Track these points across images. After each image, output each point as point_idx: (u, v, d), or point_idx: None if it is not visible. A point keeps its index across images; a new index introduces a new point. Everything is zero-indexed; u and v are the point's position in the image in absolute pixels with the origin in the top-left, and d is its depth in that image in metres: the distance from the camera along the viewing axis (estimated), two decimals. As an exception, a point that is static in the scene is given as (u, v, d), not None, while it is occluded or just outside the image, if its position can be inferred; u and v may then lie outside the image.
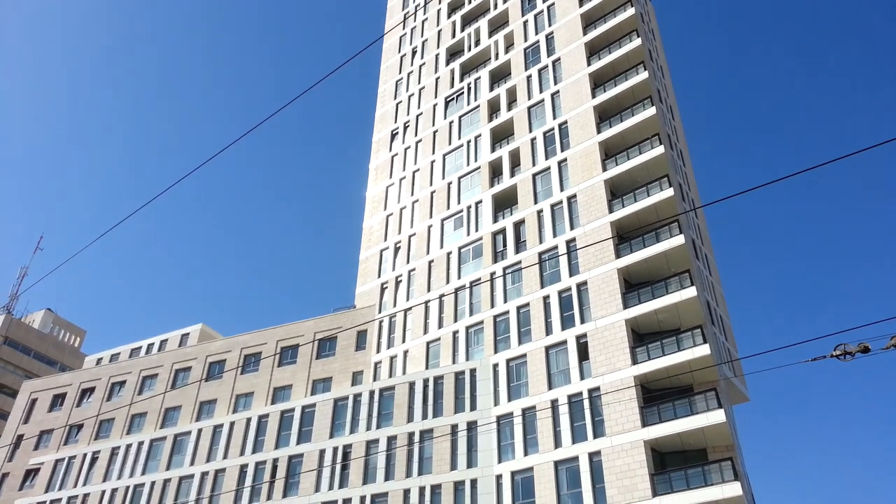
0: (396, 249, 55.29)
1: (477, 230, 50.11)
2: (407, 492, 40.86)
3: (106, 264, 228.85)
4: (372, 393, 46.30)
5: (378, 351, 50.26)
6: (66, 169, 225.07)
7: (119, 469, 52.32)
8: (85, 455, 54.54)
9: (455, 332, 46.63)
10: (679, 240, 38.21)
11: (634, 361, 36.71)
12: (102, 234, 15.34)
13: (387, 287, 53.87)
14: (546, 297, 42.93)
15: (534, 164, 49.49)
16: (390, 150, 62.53)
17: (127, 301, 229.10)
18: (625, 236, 41.98)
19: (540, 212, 46.85)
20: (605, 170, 44.62)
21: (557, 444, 37.39)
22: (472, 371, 43.33)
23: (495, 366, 42.72)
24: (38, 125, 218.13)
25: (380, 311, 52.24)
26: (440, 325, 47.79)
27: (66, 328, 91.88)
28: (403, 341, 49.35)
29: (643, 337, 38.81)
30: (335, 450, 45.05)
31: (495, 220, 49.64)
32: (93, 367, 63.99)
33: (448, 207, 53.43)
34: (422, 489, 40.46)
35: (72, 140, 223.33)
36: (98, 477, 52.73)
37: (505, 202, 50.38)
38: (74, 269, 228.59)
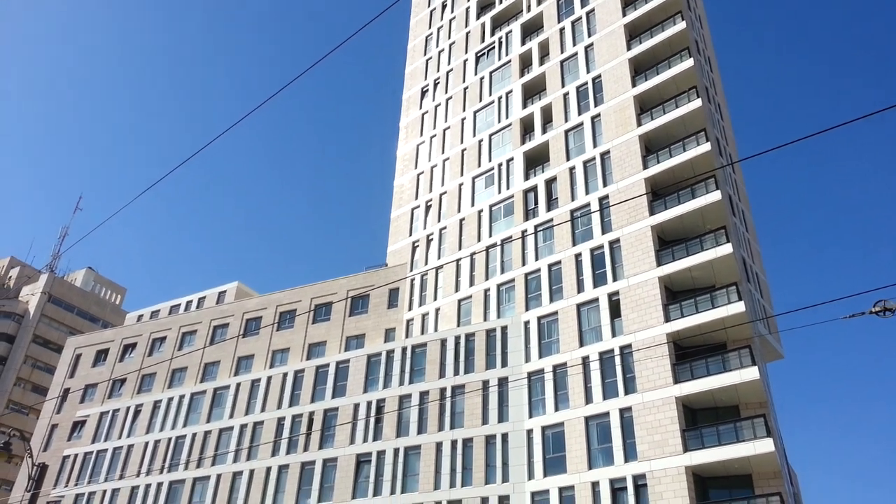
0: (427, 208, 55.30)
1: (508, 188, 49.77)
2: (439, 445, 41.67)
3: (144, 224, 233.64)
4: (404, 349, 46.93)
5: (410, 309, 50.75)
6: (103, 129, 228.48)
7: (161, 421, 54.22)
8: (128, 408, 56.59)
9: (486, 290, 46.77)
10: (715, 196, 37.47)
11: (667, 319, 36.48)
12: (140, 194, 15.60)
13: (418, 245, 54.10)
14: (578, 255, 42.68)
15: (566, 120, 48.69)
16: (420, 107, 62.03)
17: (165, 260, 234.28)
18: (659, 193, 41.29)
19: (572, 169, 46.27)
20: (639, 125, 43.70)
21: (588, 399, 37.60)
22: (504, 328, 43.56)
23: (526, 323, 42.86)
24: (75, 86, 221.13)
25: (411, 270, 52.58)
26: (471, 283, 47.96)
27: (106, 286, 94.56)
28: (435, 299, 49.72)
29: (676, 294, 38.47)
30: (369, 404, 46.00)
31: (527, 177, 49.19)
32: (134, 324, 65.92)
33: (479, 165, 53.06)
34: (454, 442, 41.21)
35: (109, 99, 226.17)
36: (141, 429, 54.75)
37: (536, 159, 49.83)
38: (114, 228, 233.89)
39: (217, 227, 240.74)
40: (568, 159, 46.94)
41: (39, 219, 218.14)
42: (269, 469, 47.04)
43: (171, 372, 57.34)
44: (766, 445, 30.78)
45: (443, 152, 56.97)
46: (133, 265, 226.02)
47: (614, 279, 40.02)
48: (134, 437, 54.65)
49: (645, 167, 41.76)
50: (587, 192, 44.49)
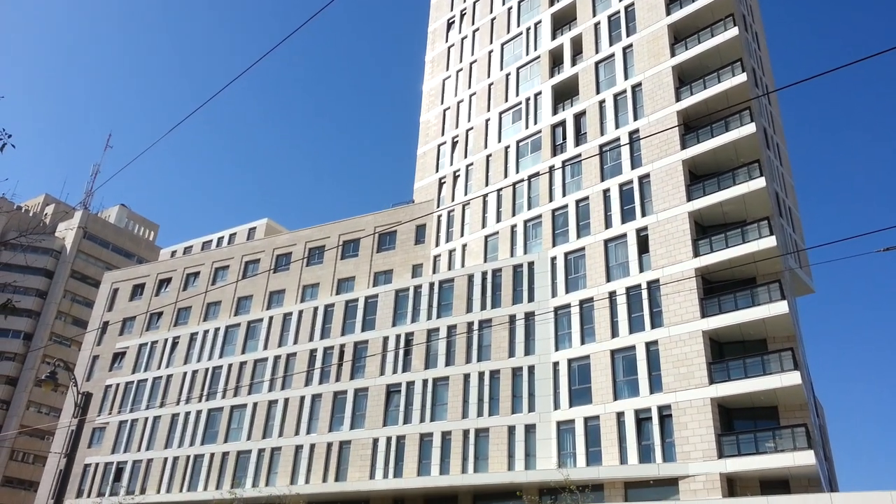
0: (454, 144, 54.92)
1: (536, 123, 49.08)
2: (467, 376, 42.67)
3: (174, 162, 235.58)
4: (432, 285, 47.54)
5: (437, 245, 51.13)
6: (132, 66, 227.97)
7: (198, 353, 56.12)
8: (166, 340, 58.56)
9: (513, 226, 46.82)
10: (750, 128, 36.62)
11: (696, 254, 36.34)
12: (169, 131, 15.74)
13: (444, 182, 54.02)
14: (606, 191, 42.33)
15: (597, 52, 47.44)
16: (446, 40, 60.79)
17: (195, 197, 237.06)
18: (692, 126, 40.45)
19: (602, 102, 45.37)
20: (673, 55, 42.44)
21: (614, 333, 38.01)
22: (530, 264, 43.79)
23: (553, 259, 43.00)
24: (102, 21, 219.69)
25: (438, 206, 52.67)
26: (498, 220, 48.00)
27: (139, 223, 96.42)
28: (462, 235, 49.96)
29: (706, 229, 38.16)
30: (398, 337, 47.02)
31: (555, 111, 48.41)
32: (168, 260, 67.48)
33: (506, 100, 52.25)
34: (481, 374, 42.17)
35: (137, 35, 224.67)
36: (179, 360, 56.78)
37: (565, 93, 48.87)
38: (144, 166, 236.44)
39: (245, 165, 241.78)
40: (598, 92, 45.98)
41: (71, 157, 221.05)
42: (302, 398, 48.75)
43: (206, 306, 58.93)
44: (792, 378, 31.03)
45: (469, 87, 56.12)
46: (165, 202, 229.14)
47: (643, 214, 39.75)
48: (172, 368, 56.75)
49: (678, 100, 40.79)
50: (617, 127, 43.75)
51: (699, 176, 39.40)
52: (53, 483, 57.19)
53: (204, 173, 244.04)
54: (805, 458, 29.58)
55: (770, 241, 33.84)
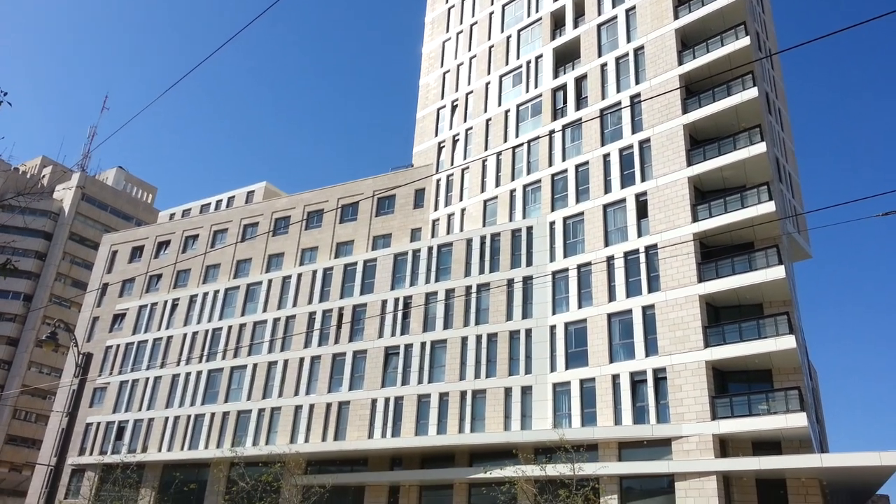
0: (453, 108, 54.49)
1: (536, 86, 48.63)
2: (465, 339, 43.05)
3: (171, 125, 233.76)
4: (430, 249, 47.65)
5: (436, 209, 51.09)
6: (128, 27, 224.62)
7: (198, 314, 56.46)
8: (165, 302, 58.85)
9: (512, 191, 46.73)
10: (752, 93, 36.31)
11: (695, 219, 36.38)
12: (166, 91, 15.65)
13: (444, 146, 53.75)
14: (606, 155, 42.17)
15: (599, 14, 46.79)
16: (447, 1, 59.86)
17: (193, 160, 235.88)
18: (693, 90, 40.13)
19: (604, 65, 44.91)
20: (676, 17, 41.86)
21: (611, 297, 38.25)
22: (529, 229, 43.84)
23: (552, 223, 43.04)
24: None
25: (437, 170, 52.50)
26: (497, 184, 47.89)
27: (137, 185, 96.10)
28: (461, 199, 49.90)
29: (706, 195, 38.13)
30: (396, 301, 47.30)
31: (556, 75, 47.94)
32: (167, 222, 67.45)
33: (507, 63, 51.70)
34: (478, 337, 42.54)
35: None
36: (179, 322, 57.14)
37: (566, 56, 48.33)
38: (142, 129, 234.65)
39: (243, 128, 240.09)
40: (599, 55, 45.49)
41: (68, 119, 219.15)
42: (302, 359, 49.23)
43: (205, 268, 59.09)
44: (787, 342, 31.35)
45: (469, 49, 55.46)
46: (162, 165, 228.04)
47: (643, 179, 39.67)
48: (172, 329, 57.14)
49: (680, 63, 40.37)
50: (618, 91, 43.38)
51: (700, 141, 39.25)
52: (56, 441, 58.04)
53: (201, 136, 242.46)
54: (797, 421, 30.05)
55: (769, 207, 33.86)
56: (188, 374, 54.06)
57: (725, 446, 32.74)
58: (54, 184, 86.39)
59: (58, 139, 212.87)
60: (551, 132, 45.79)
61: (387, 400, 44.29)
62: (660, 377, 34.68)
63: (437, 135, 54.64)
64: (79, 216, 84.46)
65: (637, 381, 35.53)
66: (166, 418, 53.22)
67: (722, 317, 35.34)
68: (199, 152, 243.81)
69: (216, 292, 56.46)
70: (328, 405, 46.54)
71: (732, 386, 34.14)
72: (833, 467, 29.82)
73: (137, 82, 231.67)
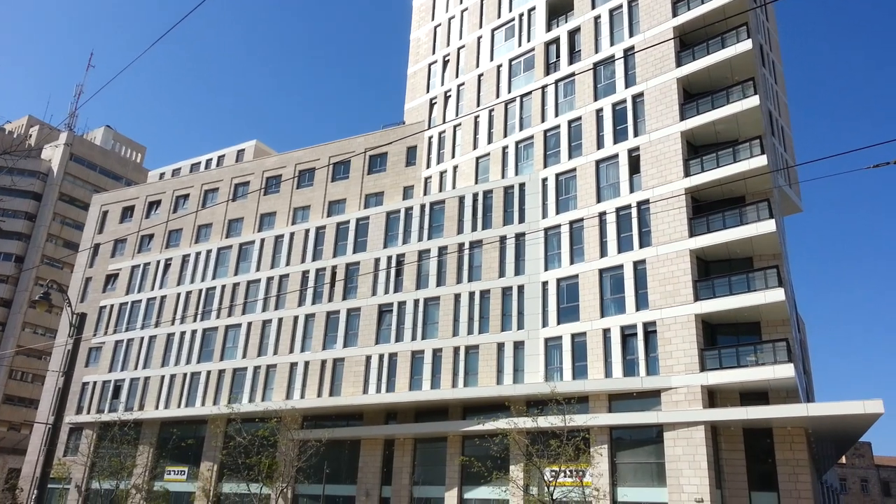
0: (445, 63, 53.75)
1: (529, 40, 47.93)
2: (457, 296, 43.32)
3: (158, 84, 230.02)
4: (423, 206, 47.56)
5: (428, 166, 50.83)
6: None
7: (191, 274, 56.49)
8: (158, 262, 58.79)
9: (504, 148, 46.47)
10: (746, 45, 35.91)
11: (687, 174, 36.35)
12: (151, 45, 15.37)
13: (436, 102, 53.19)
14: (599, 111, 41.86)
15: (593, -35, 45.79)
16: (438, -47, 58.43)
17: (181, 119, 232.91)
18: (688, 43, 39.66)
19: (597, 18, 44.21)
20: (670, -32, 41.04)
21: (603, 253, 38.44)
22: (521, 185, 43.74)
23: (544, 180, 42.93)
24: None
25: (429, 127, 52.07)
26: (489, 141, 47.58)
27: (126, 144, 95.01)
28: (453, 157, 49.62)
29: (698, 149, 38.04)
30: (389, 258, 47.40)
31: (549, 28, 47.18)
32: (157, 182, 66.95)
33: (499, 16, 50.81)
34: (471, 294, 42.81)
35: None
36: (172, 281, 57.19)
37: (559, 8, 47.50)
38: (129, 88, 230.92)
39: (231, 86, 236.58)
40: (593, 7, 44.73)
41: (53, 78, 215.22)
42: (296, 317, 49.51)
43: (197, 228, 58.90)
44: (776, 295, 31.69)
45: (461, 2, 54.41)
46: (150, 125, 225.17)
47: (635, 135, 39.48)
48: (166, 289, 57.23)
49: (674, 14, 39.78)
50: (612, 44, 42.81)
51: (693, 95, 38.96)
52: (52, 400, 58.57)
53: (189, 95, 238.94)
54: (785, 371, 30.58)
55: (761, 161, 33.83)
56: (183, 333, 54.36)
57: (714, 397, 33.37)
58: (42, 144, 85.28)
59: (43, 99, 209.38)
60: (544, 87, 45.33)
61: (381, 356, 44.76)
62: (650, 331, 35.12)
63: (428, 91, 54.02)
64: (68, 176, 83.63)
65: (627, 335, 35.99)
66: (162, 377, 53.69)
67: (712, 271, 35.63)
68: (187, 111, 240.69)
69: (209, 252, 56.40)
70: (323, 362, 47.02)
71: (721, 338, 34.63)
72: (818, 416, 30.49)
73: (122, 40, 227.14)
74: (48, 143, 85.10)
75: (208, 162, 70.39)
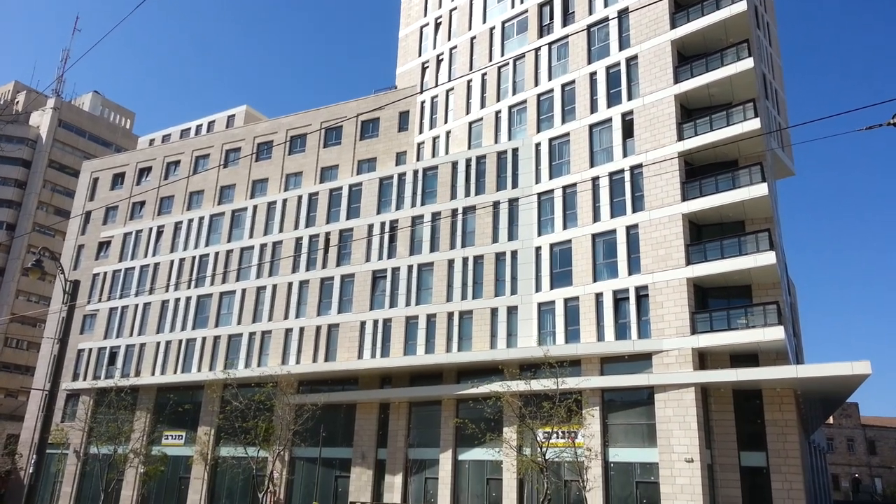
0: (437, 26, 52.98)
1: (522, 2, 47.18)
2: (451, 262, 43.45)
3: (146, 48, 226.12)
4: (416, 172, 47.37)
5: (421, 132, 50.48)
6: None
7: (183, 241, 56.35)
8: (150, 229, 58.58)
9: (497, 112, 46.13)
10: (741, 6, 35.51)
11: (680, 137, 36.24)
12: (138, 6, 15.09)
13: (428, 66, 52.59)
14: (593, 74, 41.49)
15: (587, -76, 44.91)
16: (429, -89, 57.12)
17: (169, 84, 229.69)
18: (682, 4, 39.20)
19: (591, -21, 43.47)
20: (666, -73, 40.32)
21: (596, 218, 38.50)
22: (514, 150, 43.56)
23: (537, 145, 42.74)
24: None
25: (421, 92, 51.55)
26: (482, 105, 47.20)
27: (114, 110, 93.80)
28: (445, 122, 49.27)
29: (692, 113, 37.87)
30: (382, 224, 47.36)
31: (543, -11, 46.40)
32: (147, 148, 66.32)
33: (492, -24, 49.90)
34: (465, 259, 42.93)
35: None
36: (165, 248, 57.07)
37: (554, -31, 46.64)
38: (116, 53, 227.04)
39: (219, 50, 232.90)
40: (587, -31, 43.95)
41: (39, 42, 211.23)
42: (290, 284, 49.62)
43: (189, 195, 58.57)
44: (767, 258, 31.91)
45: (454, -37, 53.38)
46: (139, 90, 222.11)
47: (629, 98, 39.23)
48: (159, 256, 57.14)
49: (669, -25, 39.18)
50: (606, 5, 42.21)
51: (687, 57, 38.62)
52: (48, 367, 58.88)
53: (177, 60, 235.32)
54: (775, 334, 30.95)
55: (754, 124, 33.72)
56: (177, 300, 54.46)
57: (704, 360, 33.82)
58: (29, 110, 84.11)
59: (29, 64, 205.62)
60: (537, 50, 44.83)
61: (375, 322, 45.03)
62: (642, 295, 35.40)
63: (420, 55, 53.35)
64: (56, 143, 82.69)
65: (620, 299, 36.27)
66: (158, 343, 53.94)
67: (704, 235, 35.77)
68: (174, 77, 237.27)
69: (201, 219, 56.19)
70: (318, 328, 47.28)
71: (713, 302, 34.95)
72: (807, 377, 30.98)
73: (108, 3, 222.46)
74: (36, 109, 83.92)
75: (198, 128, 69.68)
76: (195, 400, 50.32)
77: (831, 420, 75.70)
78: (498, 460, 37.14)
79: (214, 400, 47.22)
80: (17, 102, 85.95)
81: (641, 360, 34.39)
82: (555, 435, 32.81)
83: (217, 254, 54.13)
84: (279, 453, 42.40)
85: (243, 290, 51.57)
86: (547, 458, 31.95)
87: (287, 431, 41.65)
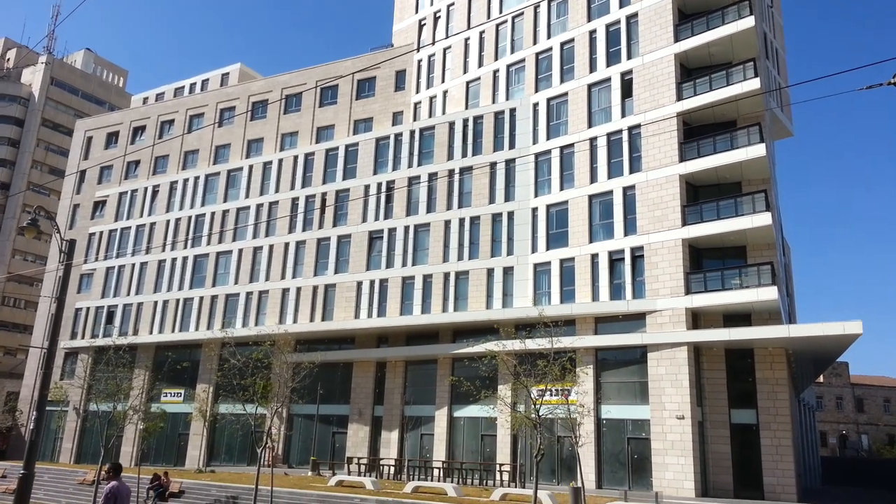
0: (435, -19, 51.98)
1: (522, -43, 46.25)
2: (447, 222, 43.47)
3: (138, 3, 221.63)
4: (412, 132, 47.05)
5: (417, 91, 49.98)
6: None
7: (179, 201, 56.15)
8: (146, 189, 58.30)
9: (495, 71, 45.63)
10: (744, -38, 34.91)
11: (679, 97, 35.96)
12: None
13: (425, 24, 51.81)
14: (592, 32, 40.94)
15: None
16: None
17: (162, 41, 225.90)
18: (684, -40, 38.46)
19: (592, -67, 42.57)
20: None
21: (593, 179, 38.42)
22: (512, 111, 43.22)
23: (535, 105, 42.40)
24: None
25: (418, 50, 50.86)
26: (480, 64, 46.65)
27: (107, 68, 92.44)
28: (443, 81, 48.75)
29: (691, 72, 37.51)
30: (379, 185, 47.23)
31: (542, -56, 45.46)
32: (141, 107, 65.58)
33: (491, -69, 48.79)
34: (461, 220, 42.96)
35: None
36: (161, 208, 56.90)
37: (554, -77, 45.62)
38: (107, 9, 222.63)
39: (213, 5, 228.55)
40: (588, -77, 43.01)
41: (28, 1, 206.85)
42: (287, 244, 49.67)
43: (184, 154, 58.16)
44: (763, 219, 31.96)
45: (451, -83, 52.12)
46: (131, 48, 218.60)
47: (629, 57, 38.79)
48: (155, 216, 57.00)
49: (671, -70, 38.36)
50: (606, -39, 41.41)
51: (688, 15, 38.10)
52: (46, 326, 59.18)
53: (170, 16, 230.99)
54: (768, 294, 31.21)
55: (754, 84, 33.42)
56: (174, 260, 54.52)
57: (697, 319, 34.14)
58: (20, 67, 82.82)
59: (18, 21, 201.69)
60: (536, 7, 44.12)
61: (372, 282, 45.23)
62: (637, 255, 35.54)
63: (417, 12, 52.52)
64: (49, 101, 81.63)
65: (615, 260, 36.44)
66: (155, 302, 54.17)
67: (701, 196, 35.76)
68: (167, 34, 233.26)
69: (196, 178, 55.90)
70: (315, 288, 47.50)
71: (707, 262, 35.13)
72: (799, 337, 31.35)
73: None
74: (28, 68, 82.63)
75: (192, 86, 68.76)
76: (193, 358, 50.77)
77: (821, 379, 76.90)
78: (492, 417, 37.70)
79: (212, 358, 47.54)
80: (8, 60, 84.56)
81: (635, 320, 34.73)
82: (548, 392, 33.16)
83: (213, 214, 54.00)
84: (277, 410, 42.92)
85: (240, 250, 51.64)
86: (540, 414, 32.43)
87: (285, 389, 42.12)
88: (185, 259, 54.02)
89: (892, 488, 52.27)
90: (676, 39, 36.78)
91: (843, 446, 79.23)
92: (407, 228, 45.02)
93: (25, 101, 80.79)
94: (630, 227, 36.14)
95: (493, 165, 42.73)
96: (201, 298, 52.06)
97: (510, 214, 41.23)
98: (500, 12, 46.44)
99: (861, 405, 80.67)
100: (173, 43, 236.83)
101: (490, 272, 40.88)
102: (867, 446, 78.88)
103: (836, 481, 60.22)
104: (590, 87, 40.14)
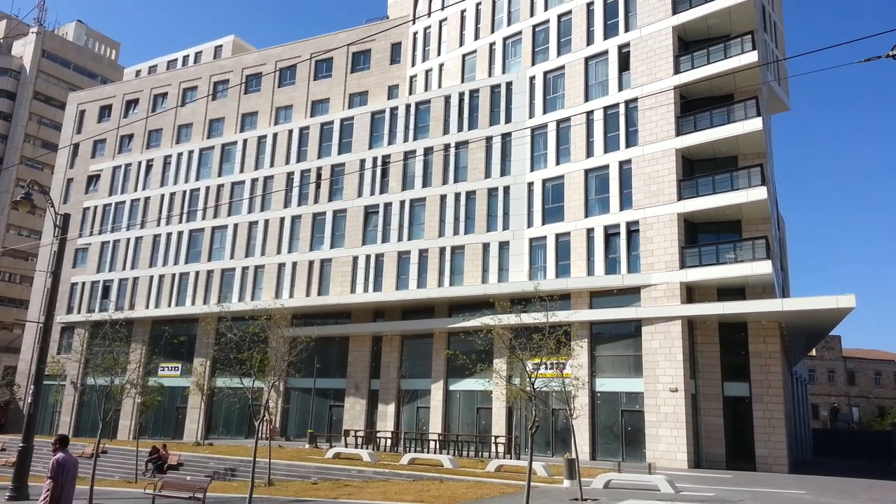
0: (431, -49, 51.21)
1: (519, -73, 45.53)
2: (443, 197, 43.38)
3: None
4: (408, 106, 46.71)
5: (413, 65, 49.52)
6: None
7: (174, 175, 55.86)
8: (140, 163, 57.94)
9: (492, 44, 45.18)
10: (743, -67, 34.43)
11: (677, 70, 35.70)
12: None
13: (421, -5, 51.13)
14: (590, 4, 40.47)
15: None
16: None
17: (154, 13, 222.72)
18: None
19: None
20: None
21: (589, 153, 38.31)
22: (508, 84, 42.89)
23: (532, 78, 42.07)
24: None
25: (413, 22, 50.26)
26: (476, 37, 46.17)
27: (99, 40, 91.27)
28: (439, 54, 48.28)
29: (689, 45, 37.20)
30: (374, 159, 47.00)
31: (540, -86, 44.74)
32: (133, 80, 64.91)
33: None
34: (457, 195, 42.86)
35: None
36: (155, 182, 56.60)
37: None
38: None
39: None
40: None
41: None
42: (282, 219, 49.56)
43: (177, 128, 57.72)
44: (758, 193, 31.98)
45: None
46: (123, 19, 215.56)
47: (626, 30, 38.42)
48: (149, 190, 56.73)
49: None
50: (605, -69, 40.80)
51: (687, -13, 37.61)
52: (42, 300, 59.12)
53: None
54: (762, 268, 31.33)
55: (751, 57, 33.17)
56: (169, 235, 54.41)
57: (692, 293, 34.30)
58: (11, 39, 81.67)
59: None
60: (533, -21, 43.50)
61: (368, 257, 45.25)
62: (632, 230, 35.58)
63: (412, -18, 51.79)
64: (41, 74, 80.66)
65: (610, 234, 36.49)
66: (151, 277, 54.17)
67: (697, 170, 35.70)
68: (159, 5, 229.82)
69: (190, 153, 55.55)
70: (311, 262, 47.50)
71: (702, 237, 35.20)
72: (793, 311, 31.56)
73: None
74: (18, 40, 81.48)
75: (185, 59, 68.03)
76: (190, 332, 50.89)
77: (814, 352, 77.58)
78: (488, 390, 37.93)
79: (209, 332, 47.73)
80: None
81: (630, 294, 34.89)
82: (543, 366, 33.38)
83: (208, 188, 53.77)
84: (274, 384, 43.11)
85: (235, 225, 51.51)
86: (535, 387, 32.69)
87: (282, 363, 42.28)
88: (180, 233, 53.91)
89: (880, 459, 53.09)
90: (675, 12, 36.43)
91: (834, 418, 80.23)
92: (403, 203, 44.91)
93: (17, 73, 79.83)
94: (626, 202, 36.13)
95: (489, 139, 42.53)
96: (197, 273, 52.05)
97: (506, 189, 41.15)
98: (497, -17, 45.80)
99: (853, 378, 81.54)
100: (165, 15, 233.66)
101: (486, 247, 40.92)
102: (858, 419, 79.90)
103: (826, 453, 61.14)
104: (587, 60, 39.81)
